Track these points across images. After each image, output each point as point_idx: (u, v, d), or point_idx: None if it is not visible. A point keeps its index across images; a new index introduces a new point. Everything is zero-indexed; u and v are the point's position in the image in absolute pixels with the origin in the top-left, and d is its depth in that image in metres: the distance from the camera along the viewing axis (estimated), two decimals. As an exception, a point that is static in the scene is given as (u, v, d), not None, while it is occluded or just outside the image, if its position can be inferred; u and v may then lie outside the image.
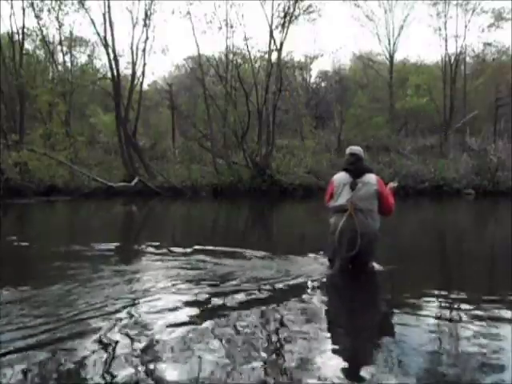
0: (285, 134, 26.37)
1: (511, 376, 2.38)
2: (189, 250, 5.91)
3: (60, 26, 22.86)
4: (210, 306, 3.59)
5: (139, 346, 2.74)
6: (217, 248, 6.00)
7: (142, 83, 22.97)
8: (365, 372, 2.41)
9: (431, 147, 25.49)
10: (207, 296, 3.80)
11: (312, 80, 36.46)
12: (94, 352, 2.63)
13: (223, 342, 2.82)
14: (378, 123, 27.30)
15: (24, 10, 20.64)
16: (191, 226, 10.90)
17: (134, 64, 20.79)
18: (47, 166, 18.58)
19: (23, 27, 21.23)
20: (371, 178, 4.52)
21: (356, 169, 4.55)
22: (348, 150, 4.76)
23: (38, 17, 21.31)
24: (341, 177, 4.60)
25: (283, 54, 21.83)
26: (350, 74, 36.10)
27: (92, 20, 19.99)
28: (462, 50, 27.37)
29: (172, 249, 6.07)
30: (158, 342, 2.81)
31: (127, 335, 2.91)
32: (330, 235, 4.57)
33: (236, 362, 2.52)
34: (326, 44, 58.82)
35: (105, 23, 19.65)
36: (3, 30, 27.09)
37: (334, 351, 2.75)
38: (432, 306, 3.64)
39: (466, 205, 17.56)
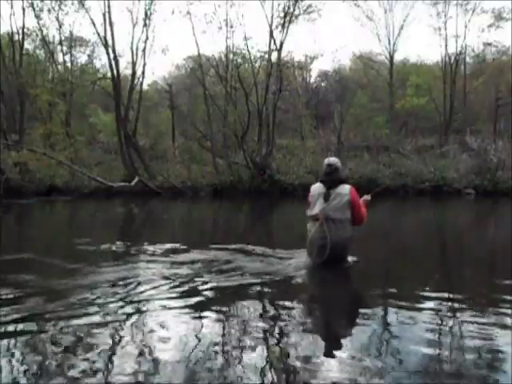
0: (285, 134, 26.37)
1: (511, 375, 2.38)
2: (189, 248, 5.92)
3: (60, 26, 22.92)
4: (208, 302, 3.61)
5: (138, 341, 2.75)
6: (216, 246, 6.01)
7: (142, 83, 22.99)
8: (362, 371, 2.41)
9: (431, 147, 25.49)
10: (206, 293, 3.83)
11: (312, 80, 36.54)
12: (92, 350, 2.63)
13: (222, 338, 2.83)
14: (378, 123, 27.31)
15: (24, 9, 20.70)
16: (191, 226, 10.90)
17: (134, 64, 20.79)
18: (47, 166, 18.56)
19: (23, 27, 21.30)
20: (344, 188, 4.74)
21: (330, 180, 4.79)
22: (326, 161, 4.99)
23: (38, 17, 21.35)
24: (316, 187, 4.88)
25: (283, 54, 21.88)
26: (350, 74, 36.14)
27: (92, 20, 20.00)
28: (462, 50, 27.44)
29: (172, 247, 6.08)
30: (156, 340, 2.82)
31: (126, 331, 2.92)
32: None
33: (235, 360, 2.52)
34: (326, 44, 58.94)
35: (105, 23, 19.66)
36: (3, 29, 27.13)
37: (331, 350, 2.74)
38: (431, 305, 3.63)
39: (466, 205, 17.56)
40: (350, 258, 4.91)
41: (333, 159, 5.02)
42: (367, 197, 5.19)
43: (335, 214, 4.68)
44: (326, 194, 4.74)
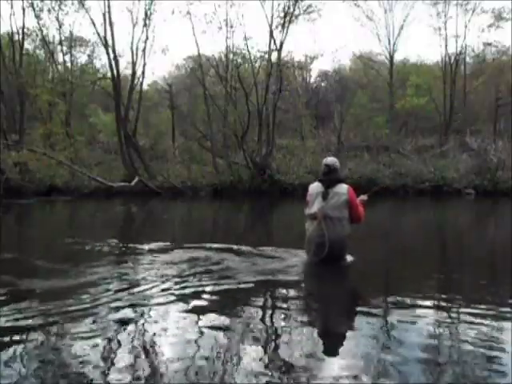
0: (285, 134, 26.36)
1: (511, 376, 2.38)
2: (188, 248, 5.92)
3: (60, 26, 22.92)
4: (205, 302, 3.61)
5: (137, 339, 2.75)
6: (215, 246, 6.03)
7: (142, 83, 22.97)
8: (362, 372, 2.41)
9: (431, 147, 25.49)
10: (203, 293, 3.83)
11: (312, 80, 36.55)
12: (92, 347, 2.63)
13: (220, 339, 2.83)
14: (378, 123, 27.30)
15: (24, 9, 20.67)
16: (191, 226, 10.90)
17: (134, 64, 20.79)
18: (47, 166, 18.56)
19: (23, 27, 21.28)
20: (342, 187, 4.83)
21: (328, 179, 4.87)
22: (324, 161, 5.08)
23: (38, 17, 21.34)
24: (315, 187, 4.96)
25: (283, 54, 21.87)
26: (350, 74, 36.14)
27: (92, 20, 19.99)
28: (462, 50, 27.42)
29: (171, 247, 6.07)
30: (153, 340, 2.81)
31: (122, 331, 2.92)
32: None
33: (233, 359, 2.52)
34: (326, 44, 58.96)
35: (105, 23, 19.66)
36: (3, 29, 27.11)
37: (331, 351, 2.74)
38: (430, 305, 3.64)
39: (466, 205, 17.56)
40: (348, 257, 4.94)
41: (331, 159, 5.09)
42: (364, 197, 5.26)
43: (333, 212, 4.75)
44: (324, 192, 4.81)
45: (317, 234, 4.75)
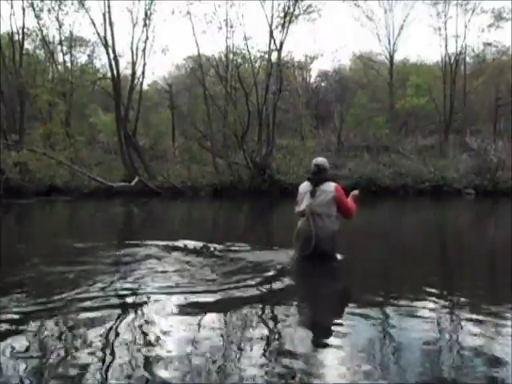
0: (285, 134, 26.36)
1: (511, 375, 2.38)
2: (188, 247, 5.93)
3: (60, 26, 22.93)
4: (201, 302, 3.60)
5: (137, 338, 2.75)
6: (214, 245, 6.04)
7: (142, 83, 23.00)
8: (362, 370, 2.41)
9: (431, 147, 25.48)
10: (198, 293, 3.83)
11: (312, 80, 36.55)
12: (84, 352, 2.63)
13: (216, 338, 2.83)
14: (378, 123, 27.31)
15: (24, 9, 20.72)
16: (191, 226, 10.90)
17: (134, 64, 20.81)
18: (47, 166, 18.56)
19: (23, 27, 21.32)
20: (329, 185, 4.97)
21: (317, 178, 5.01)
22: (313, 161, 5.21)
23: (38, 17, 21.36)
24: (304, 186, 5.12)
25: (283, 53, 21.90)
26: (350, 74, 36.12)
27: (92, 20, 20.00)
28: (462, 50, 27.41)
29: (171, 246, 6.06)
30: (151, 339, 2.81)
31: (124, 328, 2.92)
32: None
33: (231, 356, 2.52)
34: (326, 44, 58.89)
35: (105, 23, 19.67)
36: (3, 29, 27.11)
37: (328, 351, 2.74)
38: (431, 305, 3.63)
39: (466, 205, 17.56)
40: (339, 256, 5.00)
41: (320, 159, 5.21)
42: (355, 192, 5.38)
43: (321, 208, 4.86)
44: (312, 190, 4.94)
45: (304, 230, 4.87)
